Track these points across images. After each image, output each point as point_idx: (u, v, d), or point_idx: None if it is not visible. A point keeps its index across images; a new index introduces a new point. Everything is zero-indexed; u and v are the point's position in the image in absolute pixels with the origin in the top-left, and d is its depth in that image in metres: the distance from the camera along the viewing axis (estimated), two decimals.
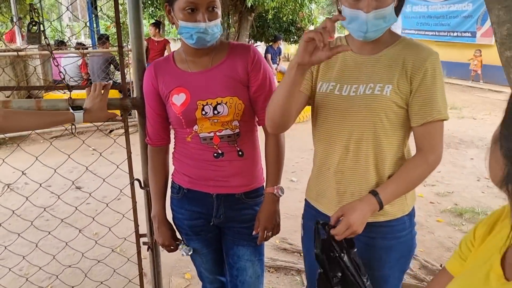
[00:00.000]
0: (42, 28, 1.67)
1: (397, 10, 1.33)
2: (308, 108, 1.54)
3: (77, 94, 1.77)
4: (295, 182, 4.69)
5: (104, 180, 2.17)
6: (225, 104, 1.52)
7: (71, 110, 1.57)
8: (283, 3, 6.90)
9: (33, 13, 1.68)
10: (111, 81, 1.72)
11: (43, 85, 3.79)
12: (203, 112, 1.52)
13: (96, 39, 8.38)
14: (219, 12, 1.48)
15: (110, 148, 2.45)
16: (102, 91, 1.63)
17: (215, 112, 1.52)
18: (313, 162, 1.56)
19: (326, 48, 1.18)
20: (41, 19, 1.74)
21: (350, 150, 1.39)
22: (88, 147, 4.20)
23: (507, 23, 1.76)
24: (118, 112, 1.73)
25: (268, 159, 1.65)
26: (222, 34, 1.54)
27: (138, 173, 1.88)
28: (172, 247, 1.76)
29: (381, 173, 1.40)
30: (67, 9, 1.94)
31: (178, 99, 1.54)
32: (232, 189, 1.62)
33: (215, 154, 1.58)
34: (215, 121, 1.54)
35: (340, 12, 1.35)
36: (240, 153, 1.60)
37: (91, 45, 8.82)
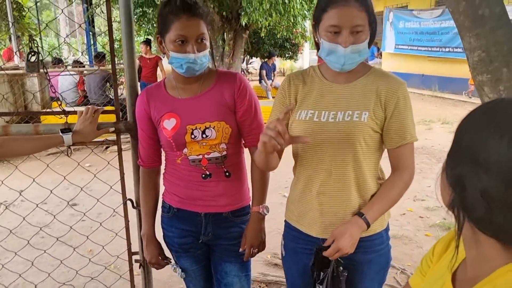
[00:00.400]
0: (40, 58, 1.77)
1: (369, 43, 1.44)
2: None
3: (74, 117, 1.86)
4: (287, 197, 4.76)
5: (98, 200, 2.25)
6: (213, 128, 1.62)
7: (60, 133, 1.66)
8: (277, 21, 7.05)
9: (32, 44, 1.77)
10: (103, 107, 1.81)
11: (40, 111, 3.91)
12: (192, 136, 1.62)
13: (92, 56, 8.51)
14: (208, 43, 1.59)
15: (106, 165, 2.53)
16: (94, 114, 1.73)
17: (204, 136, 1.62)
18: (294, 185, 1.63)
19: (286, 140, 1.31)
20: (40, 49, 1.83)
21: (332, 173, 1.48)
22: (83, 164, 4.27)
23: (477, 49, 1.88)
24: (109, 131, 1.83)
25: (254, 180, 1.74)
26: (216, 55, 1.67)
27: (131, 190, 1.96)
28: (159, 265, 1.84)
29: (362, 192, 1.50)
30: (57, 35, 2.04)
31: (169, 124, 1.64)
32: (220, 208, 1.71)
33: (203, 175, 1.67)
34: (203, 144, 1.63)
35: (318, 44, 1.46)
36: (227, 174, 1.69)
37: (88, 62, 8.93)
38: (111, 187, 2.09)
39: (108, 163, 2.11)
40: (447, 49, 12.88)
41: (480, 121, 0.74)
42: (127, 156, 1.89)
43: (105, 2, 1.75)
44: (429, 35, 13.64)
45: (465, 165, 0.73)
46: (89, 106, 1.74)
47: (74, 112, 1.80)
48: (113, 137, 1.92)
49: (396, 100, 1.43)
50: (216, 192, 1.69)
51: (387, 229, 1.58)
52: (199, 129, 1.62)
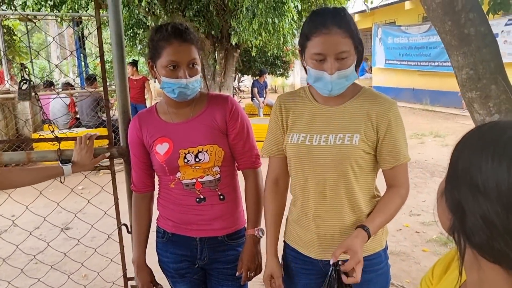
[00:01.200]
0: (32, 85, 1.78)
1: (356, 65, 1.45)
2: None
3: (65, 139, 1.86)
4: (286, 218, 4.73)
5: (92, 226, 2.23)
6: (206, 152, 1.62)
7: (60, 164, 1.67)
8: (267, 40, 7.12)
9: (23, 71, 1.79)
10: (97, 133, 1.81)
11: (33, 138, 3.89)
12: (185, 160, 1.62)
13: (84, 79, 8.52)
14: (199, 68, 1.60)
15: (99, 188, 2.51)
16: (88, 141, 1.74)
17: (197, 159, 1.62)
18: (292, 206, 1.64)
19: None
20: (31, 76, 1.84)
21: (326, 196, 1.48)
22: (77, 187, 4.23)
23: (465, 67, 1.91)
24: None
25: (248, 202, 1.73)
26: (208, 74, 1.68)
27: (125, 212, 1.95)
28: None
29: (357, 213, 1.50)
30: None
31: (161, 148, 1.64)
32: (215, 232, 1.70)
33: (197, 199, 1.67)
34: (196, 168, 1.63)
35: (306, 69, 1.48)
36: (221, 197, 1.69)
37: (79, 84, 8.95)
38: (105, 213, 2.08)
39: (102, 188, 2.10)
40: (436, 63, 13.08)
41: (476, 146, 0.74)
42: (121, 178, 1.89)
43: (95, 26, 1.76)
44: (418, 50, 13.86)
45: (464, 190, 0.73)
46: (82, 136, 1.75)
47: (67, 139, 1.80)
48: (106, 161, 1.91)
49: (388, 122, 1.44)
50: (211, 216, 1.68)
51: (385, 248, 1.58)
52: (192, 153, 1.62)
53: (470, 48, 1.89)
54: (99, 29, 1.73)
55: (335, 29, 1.34)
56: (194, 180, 1.65)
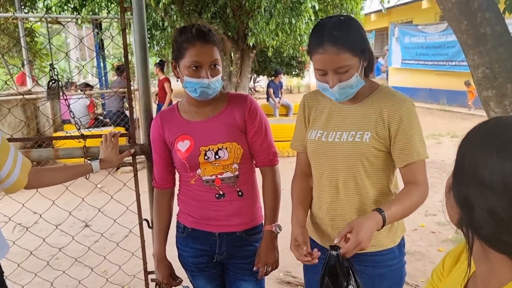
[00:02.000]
0: (61, 85, 1.86)
1: (368, 68, 1.50)
2: None
3: (90, 137, 1.94)
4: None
5: (115, 221, 2.30)
6: (226, 149, 1.68)
7: (89, 161, 1.76)
8: (283, 40, 7.17)
9: (52, 72, 1.89)
10: (120, 131, 1.89)
11: (58, 136, 4.00)
12: (206, 157, 1.68)
13: (103, 78, 8.69)
14: (220, 68, 1.67)
15: (117, 186, 2.59)
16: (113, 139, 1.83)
17: (217, 156, 1.68)
18: (313, 199, 1.70)
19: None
20: (59, 77, 1.93)
21: (340, 190, 1.54)
22: (96, 186, 4.33)
23: (481, 66, 1.93)
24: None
25: (266, 199, 1.78)
26: (224, 74, 1.74)
27: (146, 210, 2.01)
28: (170, 285, 1.87)
29: (369, 209, 1.52)
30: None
31: (182, 146, 1.70)
32: (233, 228, 1.75)
33: (217, 195, 1.72)
34: (216, 165, 1.69)
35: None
36: (240, 193, 1.74)
37: (98, 85, 9.12)
38: (127, 208, 2.15)
39: (125, 184, 2.16)
40: (453, 63, 12.93)
41: (482, 142, 0.76)
42: (142, 176, 1.95)
43: (118, 29, 1.83)
44: (435, 49, 13.71)
45: (471, 186, 0.76)
46: (107, 133, 1.83)
47: (91, 136, 1.87)
48: (128, 159, 1.98)
49: (399, 119, 1.46)
50: (230, 212, 1.74)
51: (400, 245, 1.60)
52: (212, 150, 1.68)
53: (486, 47, 1.90)
54: (123, 31, 1.80)
55: (329, 48, 1.39)
56: (214, 177, 1.71)
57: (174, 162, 1.78)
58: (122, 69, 7.78)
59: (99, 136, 1.84)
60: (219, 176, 1.71)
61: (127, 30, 1.93)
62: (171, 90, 8.78)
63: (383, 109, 1.49)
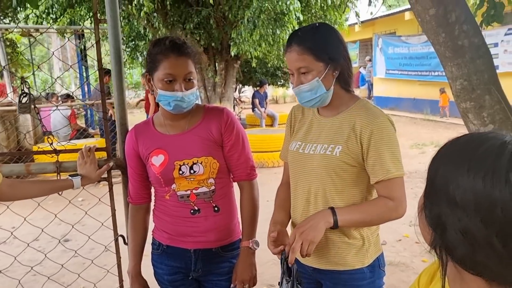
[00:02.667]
0: (32, 98, 1.81)
1: (345, 79, 1.50)
2: None
3: (64, 152, 1.88)
4: None
5: (89, 237, 2.24)
6: (201, 163, 1.64)
7: (70, 178, 1.70)
8: (266, 51, 7.18)
9: (24, 85, 1.83)
10: (96, 144, 1.84)
11: (32, 151, 3.92)
12: (180, 172, 1.64)
13: (85, 89, 8.59)
14: (195, 81, 1.63)
15: (97, 199, 2.53)
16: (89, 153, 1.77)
17: (192, 171, 1.64)
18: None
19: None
20: (31, 90, 1.87)
21: (310, 202, 1.54)
22: (77, 199, 4.23)
23: (459, 78, 1.93)
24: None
25: (243, 214, 1.74)
26: (208, 85, 1.72)
27: (123, 225, 1.95)
28: None
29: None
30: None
31: (157, 160, 1.66)
32: (209, 244, 1.71)
33: (192, 211, 1.68)
34: (191, 179, 1.65)
35: None
36: (216, 209, 1.70)
37: (81, 96, 9.01)
38: (102, 224, 2.08)
39: (99, 200, 2.11)
40: (436, 73, 13.11)
41: (453, 160, 0.74)
42: (119, 190, 1.90)
43: (101, 38, 1.79)
44: (418, 60, 13.91)
45: (443, 206, 0.73)
46: (83, 148, 1.77)
47: (65, 151, 1.82)
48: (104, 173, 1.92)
49: (370, 134, 1.43)
50: (205, 228, 1.69)
51: (373, 267, 1.55)
52: (187, 164, 1.64)
53: (464, 60, 1.91)
54: (98, 43, 1.76)
55: (294, 47, 1.45)
56: (188, 192, 1.66)
57: (149, 177, 1.74)
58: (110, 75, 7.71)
59: (74, 151, 1.79)
60: (194, 191, 1.67)
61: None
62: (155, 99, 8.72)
63: (356, 123, 1.47)
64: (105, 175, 1.92)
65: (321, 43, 1.45)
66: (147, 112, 8.68)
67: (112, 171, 1.91)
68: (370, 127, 1.43)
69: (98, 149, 1.84)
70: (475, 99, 1.93)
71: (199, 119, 1.69)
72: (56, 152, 1.80)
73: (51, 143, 1.81)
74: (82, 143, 6.49)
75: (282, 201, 1.68)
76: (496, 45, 10.73)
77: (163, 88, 1.57)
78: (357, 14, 7.71)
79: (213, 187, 1.68)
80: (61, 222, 4.61)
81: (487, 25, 2.32)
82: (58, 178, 1.81)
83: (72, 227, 2.35)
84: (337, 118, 1.52)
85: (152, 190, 1.80)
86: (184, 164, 1.64)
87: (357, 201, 1.51)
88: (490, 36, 10.27)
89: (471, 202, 0.69)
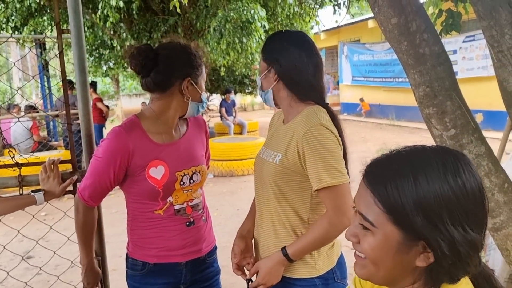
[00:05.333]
0: None
1: (296, 87, 1.52)
2: None
3: (27, 165, 1.81)
4: None
5: (54, 252, 2.17)
6: (199, 172, 1.64)
7: (32, 193, 1.62)
8: (235, 59, 7.19)
9: None
10: (60, 157, 1.77)
11: None
12: (181, 183, 1.60)
13: (47, 100, 8.34)
14: None
15: (62, 213, 2.44)
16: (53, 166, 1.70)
17: (191, 181, 1.62)
18: None
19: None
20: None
21: (262, 207, 1.57)
22: (39, 213, 4.08)
23: (422, 85, 1.99)
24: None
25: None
26: None
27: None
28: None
29: (280, 232, 1.52)
30: None
31: (156, 172, 1.56)
32: (199, 253, 1.70)
33: (187, 223, 1.65)
34: (189, 191, 1.63)
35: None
36: (203, 218, 1.71)
37: (43, 107, 8.74)
38: (68, 238, 2.02)
39: (65, 213, 2.04)
40: (400, 80, 13.50)
41: (401, 175, 0.78)
42: None
43: (59, 49, 1.74)
44: (382, 67, 14.29)
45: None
46: (46, 162, 1.69)
47: (28, 164, 1.76)
48: (69, 186, 1.87)
49: (303, 143, 1.41)
50: (197, 238, 1.68)
51: (326, 278, 1.52)
52: (187, 174, 1.62)
53: (426, 67, 1.96)
54: (61, 54, 1.71)
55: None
56: (185, 205, 1.64)
57: (131, 191, 1.60)
58: (72, 86, 7.50)
59: (37, 164, 1.72)
60: (189, 204, 1.65)
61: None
62: (107, 107, 8.67)
63: (295, 131, 1.46)
64: (71, 188, 1.86)
65: (269, 45, 1.55)
66: (94, 121, 8.50)
67: (78, 184, 1.86)
68: (306, 136, 1.41)
69: (62, 162, 1.78)
70: (437, 105, 1.98)
71: (185, 127, 1.70)
72: (18, 165, 1.73)
73: (13, 156, 1.74)
74: (46, 155, 6.29)
75: (252, 207, 1.72)
76: (455, 52, 11.17)
77: (202, 92, 1.62)
78: (317, 23, 7.92)
79: (201, 197, 1.71)
80: (23, 239, 4.46)
81: (446, 34, 2.40)
82: (21, 192, 1.74)
83: (36, 242, 2.27)
84: (286, 126, 1.54)
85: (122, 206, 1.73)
86: (185, 175, 1.61)
87: (304, 205, 1.50)
88: (450, 44, 10.69)
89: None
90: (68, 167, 1.85)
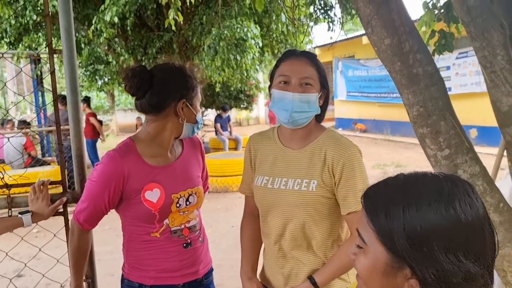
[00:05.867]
0: None
1: (323, 108, 1.51)
2: None
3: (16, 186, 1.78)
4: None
5: (43, 275, 2.12)
6: (195, 194, 1.63)
7: (19, 215, 1.59)
8: (230, 75, 7.22)
9: None
10: (50, 178, 1.74)
11: None
12: (178, 205, 1.59)
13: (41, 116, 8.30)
14: None
15: (54, 230, 2.38)
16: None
17: (188, 203, 1.61)
18: (264, 249, 1.66)
19: None
20: None
21: (286, 238, 1.50)
22: (32, 230, 4.00)
23: (415, 105, 1.99)
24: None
25: None
26: None
27: None
28: None
29: (319, 255, 1.50)
30: None
31: (152, 195, 1.55)
32: (197, 275, 1.68)
33: (185, 245, 1.64)
34: (185, 212, 1.61)
35: (270, 95, 1.53)
36: (200, 239, 1.69)
37: (36, 122, 8.71)
38: (57, 261, 1.97)
39: (54, 235, 1.99)
40: (394, 95, 13.59)
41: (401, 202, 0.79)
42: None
43: (57, 64, 1.73)
44: (377, 82, 14.40)
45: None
46: (35, 183, 1.65)
47: (17, 185, 1.73)
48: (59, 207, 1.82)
49: (342, 165, 1.43)
50: (194, 259, 1.66)
51: None
52: (184, 196, 1.60)
53: (419, 87, 1.97)
54: (52, 74, 1.70)
55: (303, 58, 1.50)
56: (182, 226, 1.62)
57: (126, 214, 1.60)
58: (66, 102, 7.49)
59: (27, 185, 1.69)
60: (186, 225, 1.63)
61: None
62: (100, 122, 8.67)
63: (328, 154, 1.46)
64: (61, 209, 1.83)
65: (322, 67, 1.52)
66: (87, 137, 8.52)
67: (68, 205, 1.83)
68: (342, 159, 1.43)
69: (53, 183, 1.75)
70: (431, 124, 1.98)
71: (181, 148, 1.68)
72: (7, 187, 1.70)
73: (3, 177, 1.71)
74: (38, 170, 6.23)
75: (250, 242, 1.65)
76: (448, 68, 11.28)
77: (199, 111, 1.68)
78: (310, 42, 8.06)
79: (198, 218, 1.68)
80: (14, 256, 4.38)
81: (439, 54, 2.42)
82: (10, 214, 1.71)
83: (25, 265, 2.22)
84: (306, 150, 1.50)
85: (115, 223, 1.71)
86: (181, 197, 1.59)
87: (333, 230, 1.51)
88: (443, 60, 10.79)
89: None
90: (59, 189, 1.81)
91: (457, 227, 0.74)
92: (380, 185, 0.86)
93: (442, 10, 2.51)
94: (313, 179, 1.45)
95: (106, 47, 7.59)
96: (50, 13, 1.71)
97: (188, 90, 1.58)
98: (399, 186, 0.81)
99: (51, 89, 1.65)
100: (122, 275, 1.70)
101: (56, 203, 1.69)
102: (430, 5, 2.58)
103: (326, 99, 1.53)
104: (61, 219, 1.90)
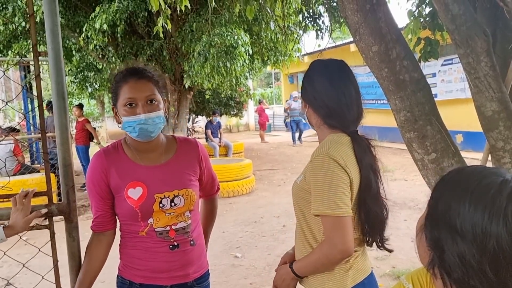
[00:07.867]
0: None
1: (315, 108, 1.59)
2: (250, 180, 1.74)
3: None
4: (239, 258, 4.65)
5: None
6: (182, 196, 1.61)
7: None
8: (220, 82, 7.24)
9: None
10: (35, 188, 1.70)
11: None
12: (161, 205, 1.58)
13: (30, 122, 8.23)
14: (161, 105, 1.60)
15: (45, 237, 2.35)
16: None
17: (172, 204, 1.60)
18: None
19: None
20: None
21: (297, 228, 1.60)
22: (21, 238, 3.94)
23: (403, 110, 2.03)
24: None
25: (210, 224, 1.98)
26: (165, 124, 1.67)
27: (67, 274, 1.80)
28: None
29: (307, 247, 1.54)
30: None
31: (134, 193, 1.58)
32: (186, 278, 1.66)
33: (171, 246, 1.63)
34: (171, 214, 1.60)
35: None
36: (191, 242, 1.67)
37: (25, 129, 8.63)
38: (42, 277, 1.90)
39: (39, 250, 1.88)
40: (381, 101, 13.72)
41: (456, 191, 0.81)
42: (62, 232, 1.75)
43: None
44: (364, 89, 14.49)
45: (443, 230, 0.80)
46: (18, 194, 1.59)
47: (5, 196, 1.69)
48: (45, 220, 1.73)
49: (309, 171, 1.47)
50: (183, 262, 1.65)
51: None
52: (168, 197, 1.59)
53: (406, 93, 2.01)
54: (37, 77, 1.65)
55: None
56: (168, 228, 1.61)
57: (117, 211, 1.63)
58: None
59: (9, 196, 1.60)
60: (173, 227, 1.62)
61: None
62: (94, 129, 8.70)
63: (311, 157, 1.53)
64: (46, 222, 1.73)
65: (305, 73, 1.65)
66: (79, 143, 8.50)
67: (53, 218, 1.72)
68: (311, 164, 1.48)
69: (37, 193, 1.67)
70: (418, 129, 2.02)
71: (174, 151, 1.67)
72: None
73: None
74: (27, 178, 6.16)
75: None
76: (434, 75, 11.44)
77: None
78: (298, 50, 8.16)
79: (189, 221, 1.66)
80: (3, 264, 4.33)
81: (425, 61, 2.47)
82: None
83: (9, 280, 2.18)
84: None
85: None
86: (165, 197, 1.59)
87: (318, 229, 1.52)
88: (429, 67, 10.94)
89: (469, 231, 0.76)
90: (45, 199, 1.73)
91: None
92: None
93: (427, 18, 2.57)
94: (302, 174, 1.55)
95: (98, 54, 7.57)
96: (34, 13, 1.64)
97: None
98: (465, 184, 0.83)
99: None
100: (118, 273, 1.72)
101: (30, 215, 1.58)
102: (415, 13, 2.63)
103: (309, 99, 1.63)
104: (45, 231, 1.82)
